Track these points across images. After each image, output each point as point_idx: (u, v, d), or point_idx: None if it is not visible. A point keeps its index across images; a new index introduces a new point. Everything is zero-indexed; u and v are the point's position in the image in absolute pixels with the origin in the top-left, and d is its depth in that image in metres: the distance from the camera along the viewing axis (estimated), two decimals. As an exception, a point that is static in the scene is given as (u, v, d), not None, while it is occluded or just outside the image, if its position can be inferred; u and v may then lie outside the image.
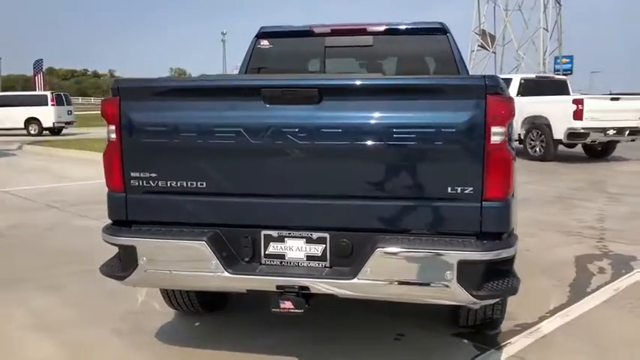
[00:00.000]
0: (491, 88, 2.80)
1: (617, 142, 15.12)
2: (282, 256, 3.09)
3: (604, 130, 14.08)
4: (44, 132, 26.65)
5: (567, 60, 48.88)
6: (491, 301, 3.21)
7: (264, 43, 5.12)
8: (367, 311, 4.23)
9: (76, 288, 4.97)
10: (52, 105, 26.48)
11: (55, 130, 26.96)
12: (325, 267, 3.06)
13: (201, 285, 3.28)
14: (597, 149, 15.54)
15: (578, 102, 13.93)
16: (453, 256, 2.81)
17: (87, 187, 10.80)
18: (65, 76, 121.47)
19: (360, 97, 2.95)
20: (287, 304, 2.95)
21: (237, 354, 3.70)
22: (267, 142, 2.97)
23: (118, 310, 4.42)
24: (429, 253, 2.83)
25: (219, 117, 3.04)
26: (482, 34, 50.52)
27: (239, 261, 3.11)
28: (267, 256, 3.11)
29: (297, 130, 2.94)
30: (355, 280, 2.88)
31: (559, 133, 14.25)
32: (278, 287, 3.00)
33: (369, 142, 2.91)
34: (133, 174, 3.14)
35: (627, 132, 14.40)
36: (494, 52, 50.87)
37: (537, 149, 15.00)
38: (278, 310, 2.96)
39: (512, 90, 15.10)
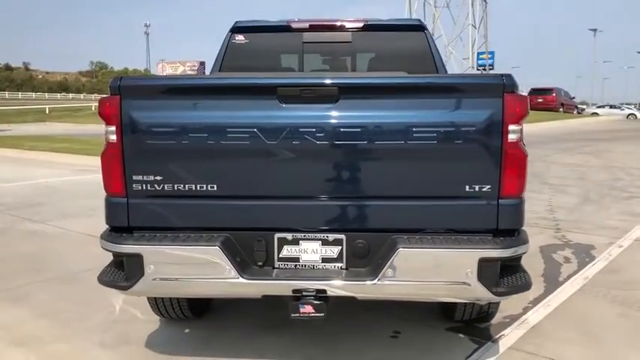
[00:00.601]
0: (509, 86, 2.83)
1: None
2: (296, 259, 3.01)
3: None
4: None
5: (489, 55, 50.87)
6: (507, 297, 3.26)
7: (240, 38, 4.96)
8: (360, 310, 4.21)
9: (43, 298, 4.66)
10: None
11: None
12: (341, 269, 3.01)
13: (214, 292, 3.14)
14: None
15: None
16: (474, 254, 2.83)
17: (26, 188, 10.21)
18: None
19: (379, 96, 2.91)
20: (307, 309, 2.88)
21: (236, 360, 3.59)
22: (282, 143, 2.87)
23: (96, 320, 4.17)
24: (451, 251, 2.84)
25: (233, 117, 2.91)
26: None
27: (252, 266, 3.00)
28: (280, 259, 3.02)
29: (314, 129, 2.86)
30: (376, 282, 2.85)
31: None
32: (294, 291, 2.92)
33: (387, 142, 2.87)
34: (135, 177, 2.96)
35: None
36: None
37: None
38: (298, 315, 2.88)
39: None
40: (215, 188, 2.95)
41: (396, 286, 2.87)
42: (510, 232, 2.97)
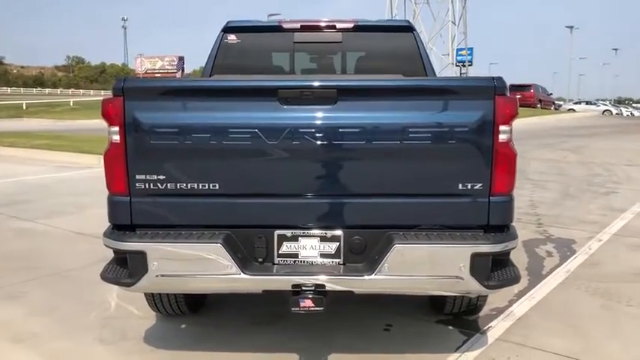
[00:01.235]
0: (500, 89, 2.96)
1: None
2: (295, 255, 3.12)
3: None
4: None
5: (468, 52, 51.35)
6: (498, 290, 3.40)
7: (232, 37, 5.03)
8: (351, 303, 4.31)
9: (37, 296, 4.69)
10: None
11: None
12: (339, 264, 3.12)
13: (215, 288, 3.23)
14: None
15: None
16: (467, 249, 2.96)
17: (8, 185, 10.13)
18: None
19: (375, 98, 3.02)
20: (307, 303, 2.98)
21: (234, 354, 3.68)
22: (282, 143, 2.97)
23: (94, 317, 4.23)
24: (445, 247, 2.97)
25: (234, 117, 3.00)
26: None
27: (253, 262, 3.10)
28: (280, 255, 3.12)
29: (313, 130, 2.96)
30: (373, 277, 2.96)
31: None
32: (294, 286, 3.02)
33: (383, 142, 2.99)
34: (138, 177, 3.03)
35: None
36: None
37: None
38: (298, 309, 2.98)
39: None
40: (217, 187, 3.03)
41: (392, 281, 2.99)
42: (501, 227, 3.11)
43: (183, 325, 4.11)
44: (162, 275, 3.00)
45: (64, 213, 7.84)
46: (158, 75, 47.38)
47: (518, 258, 5.64)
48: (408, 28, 5.03)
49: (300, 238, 3.11)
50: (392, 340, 3.90)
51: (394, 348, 3.76)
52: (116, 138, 3.02)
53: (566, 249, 6.07)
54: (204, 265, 2.99)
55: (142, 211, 3.08)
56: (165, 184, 3.03)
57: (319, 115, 2.98)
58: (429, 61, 5.02)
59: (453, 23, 50.88)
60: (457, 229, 3.08)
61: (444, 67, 49.39)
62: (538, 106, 40.44)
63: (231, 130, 2.98)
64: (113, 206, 3.11)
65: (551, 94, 47.38)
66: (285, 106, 2.97)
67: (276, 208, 3.09)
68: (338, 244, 3.11)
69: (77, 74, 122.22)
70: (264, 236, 3.09)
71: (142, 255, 2.99)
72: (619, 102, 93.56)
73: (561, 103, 55.56)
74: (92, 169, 11.54)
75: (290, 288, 3.02)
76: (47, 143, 16.15)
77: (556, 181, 10.65)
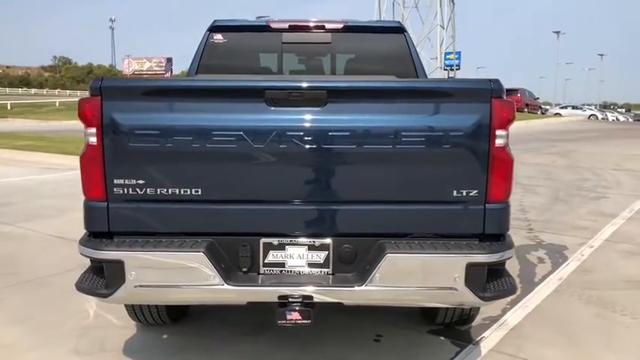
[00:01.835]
0: (496, 91, 2.84)
1: None
2: (281, 265, 2.97)
3: None
4: None
5: (455, 56, 51.54)
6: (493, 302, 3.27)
7: (218, 37, 4.88)
8: (342, 314, 4.17)
9: (13, 303, 4.50)
10: None
11: None
12: (328, 274, 2.97)
13: (197, 299, 3.07)
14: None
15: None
16: (462, 259, 2.82)
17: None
18: None
19: (367, 100, 2.88)
20: (294, 315, 2.83)
21: (218, 366, 3.52)
22: (269, 146, 2.82)
23: (71, 326, 4.05)
24: (439, 257, 2.83)
25: (218, 119, 2.84)
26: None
27: (237, 272, 2.94)
28: (266, 265, 2.97)
29: (301, 133, 2.82)
30: (364, 288, 2.82)
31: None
32: (280, 297, 2.87)
33: (375, 146, 2.85)
34: (116, 181, 2.86)
35: None
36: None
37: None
38: (284, 322, 2.83)
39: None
40: (199, 192, 2.88)
41: (384, 292, 2.85)
42: (496, 236, 2.98)
43: (165, 336, 3.94)
44: (141, 286, 2.83)
45: (44, 216, 7.62)
46: (146, 76, 47.04)
47: (510, 264, 5.48)
48: (399, 29, 4.91)
49: (287, 247, 2.96)
50: (382, 351, 3.76)
51: (385, 359, 3.63)
52: (93, 140, 2.85)
53: (557, 255, 5.97)
54: (185, 275, 2.83)
55: (119, 217, 2.91)
56: (144, 189, 2.87)
57: (308, 118, 2.84)
58: (421, 63, 4.89)
59: (442, 27, 51.07)
60: (451, 238, 2.95)
61: (433, 71, 49.44)
62: (525, 110, 40.64)
63: (214, 132, 2.82)
64: (89, 212, 2.94)
65: (537, 98, 47.70)
66: (273, 108, 2.82)
67: (262, 215, 2.94)
68: (327, 252, 2.96)
69: (64, 75, 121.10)
70: (249, 244, 2.94)
71: (119, 264, 2.82)
72: (604, 107, 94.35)
73: (548, 107, 55.90)
74: (76, 171, 11.20)
75: (276, 300, 2.87)
76: (31, 144, 15.85)
77: (546, 186, 10.59)
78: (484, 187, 2.89)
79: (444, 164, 2.89)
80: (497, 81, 2.87)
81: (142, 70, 52.09)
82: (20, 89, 78.70)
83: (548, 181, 11.30)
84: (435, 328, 4.02)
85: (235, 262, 2.95)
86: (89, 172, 2.90)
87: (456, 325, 4.03)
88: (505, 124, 2.87)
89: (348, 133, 2.85)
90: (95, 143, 2.85)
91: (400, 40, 4.86)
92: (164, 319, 3.88)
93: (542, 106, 50.41)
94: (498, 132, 2.86)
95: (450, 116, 2.87)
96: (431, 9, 51.51)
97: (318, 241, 2.95)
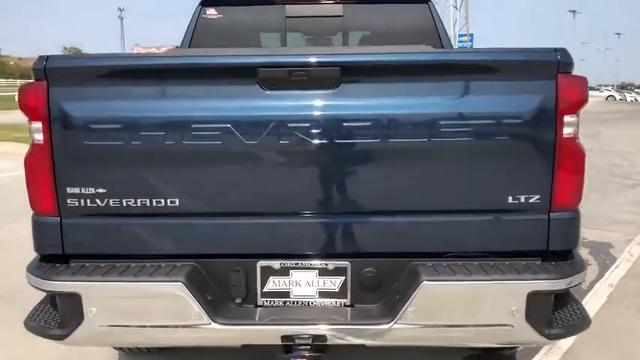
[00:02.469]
0: (564, 65, 2.15)
1: None
2: (285, 294, 2.31)
3: None
4: None
5: (468, 38, 50.32)
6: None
7: (211, 12, 4.19)
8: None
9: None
10: None
11: None
12: (345, 306, 2.31)
13: (177, 342, 2.42)
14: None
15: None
16: (522, 286, 2.15)
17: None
18: None
19: (393, 79, 2.19)
20: (301, 362, 2.18)
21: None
22: (265, 142, 2.15)
23: (43, 355, 3.43)
24: (492, 284, 2.16)
25: (199, 108, 2.18)
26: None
27: (228, 305, 2.29)
28: (265, 295, 2.31)
29: (307, 124, 2.15)
30: (394, 326, 2.16)
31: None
32: (284, 338, 2.22)
33: (404, 139, 2.17)
34: (70, 190, 2.21)
35: None
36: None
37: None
38: (289, 370, 2.18)
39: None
40: (176, 203, 2.22)
41: (419, 331, 2.18)
42: (564, 254, 2.30)
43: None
44: (103, 325, 2.19)
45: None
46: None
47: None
48: None
49: (291, 272, 2.30)
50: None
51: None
52: (39, 137, 2.21)
53: (604, 255, 5.28)
54: (159, 311, 2.19)
55: (77, 236, 2.27)
56: (106, 200, 2.21)
57: (316, 104, 2.16)
58: (448, 38, 4.19)
59: (455, 7, 49.87)
60: (505, 257, 2.27)
61: (446, 53, 48.32)
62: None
63: (194, 125, 2.16)
64: (39, 230, 2.30)
65: (554, 79, 46.45)
66: (269, 92, 2.15)
67: (259, 232, 2.28)
68: (343, 278, 2.29)
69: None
70: (242, 269, 2.29)
71: (75, 298, 2.18)
72: (622, 87, 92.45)
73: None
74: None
75: (279, 341, 2.22)
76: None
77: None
78: (548, 190, 2.21)
79: (496, 162, 2.20)
80: (564, 51, 2.17)
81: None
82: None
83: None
84: (475, 353, 3.36)
85: (226, 292, 2.30)
86: (36, 179, 2.25)
87: (498, 350, 3.37)
88: (575, 108, 2.19)
89: (368, 124, 2.17)
90: (42, 142, 2.21)
91: (423, 10, 4.16)
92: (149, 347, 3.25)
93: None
94: (567, 118, 2.17)
95: (504, 98, 2.18)
96: (443, -10, 50.26)
97: (331, 264, 2.29)
